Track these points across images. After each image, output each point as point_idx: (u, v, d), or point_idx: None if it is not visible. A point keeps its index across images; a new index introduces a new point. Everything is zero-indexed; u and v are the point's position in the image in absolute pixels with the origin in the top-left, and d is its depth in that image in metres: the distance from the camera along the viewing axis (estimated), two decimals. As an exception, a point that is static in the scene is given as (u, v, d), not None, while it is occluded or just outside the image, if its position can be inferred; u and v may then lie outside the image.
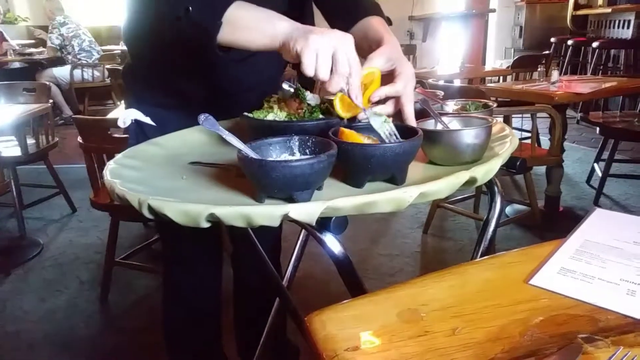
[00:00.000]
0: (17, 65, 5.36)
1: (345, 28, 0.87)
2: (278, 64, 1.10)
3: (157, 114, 1.00)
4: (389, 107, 0.80)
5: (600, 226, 0.67)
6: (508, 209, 2.69)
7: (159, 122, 1.00)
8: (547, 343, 0.45)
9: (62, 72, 5.29)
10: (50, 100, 2.78)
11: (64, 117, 5.15)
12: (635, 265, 0.57)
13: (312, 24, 1.00)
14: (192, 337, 1.30)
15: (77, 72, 5.28)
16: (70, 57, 5.34)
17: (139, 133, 1.03)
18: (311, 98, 0.82)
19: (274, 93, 0.87)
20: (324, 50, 0.68)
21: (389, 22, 0.94)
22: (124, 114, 0.98)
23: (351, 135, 0.69)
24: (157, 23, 0.85)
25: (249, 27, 0.74)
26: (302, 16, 0.97)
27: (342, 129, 0.70)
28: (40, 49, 5.59)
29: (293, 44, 0.69)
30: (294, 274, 1.20)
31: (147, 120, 0.98)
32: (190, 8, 0.72)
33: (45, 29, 5.70)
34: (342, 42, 0.69)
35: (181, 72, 1.00)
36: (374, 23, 0.90)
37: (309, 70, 0.68)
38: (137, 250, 2.17)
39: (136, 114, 0.98)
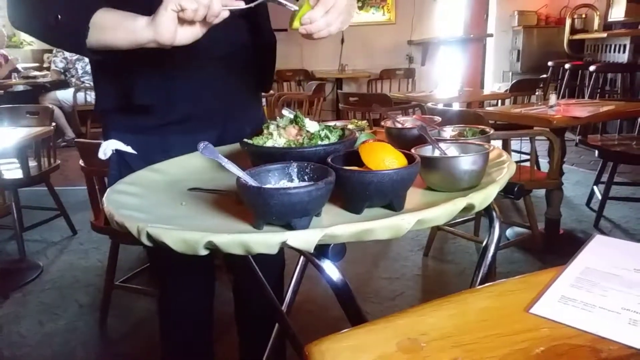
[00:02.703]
0: (20, 88, 5.43)
1: None
2: (235, 30, 1.06)
3: (137, 140, 1.01)
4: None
5: (600, 253, 0.67)
6: (508, 232, 2.68)
7: (141, 149, 1.01)
8: (548, 374, 0.44)
9: (65, 95, 5.35)
10: (53, 123, 2.81)
11: (66, 140, 5.19)
12: (636, 293, 0.57)
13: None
14: (189, 358, 1.29)
15: (80, 95, 5.34)
16: (73, 80, 5.41)
17: (120, 163, 1.03)
18: (310, 124, 0.83)
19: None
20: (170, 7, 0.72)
21: None
22: (104, 146, 0.99)
23: (374, 148, 0.69)
24: (36, 33, 0.90)
25: (114, 28, 0.79)
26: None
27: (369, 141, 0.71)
28: (44, 72, 5.67)
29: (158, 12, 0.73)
30: (294, 299, 1.19)
31: (128, 149, 0.99)
32: (59, 16, 0.80)
33: (49, 52, 5.79)
34: None
35: (141, 75, 0.98)
36: None
37: (187, 15, 0.72)
38: (137, 274, 2.16)
39: (116, 144, 0.99)
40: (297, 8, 0.79)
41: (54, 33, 0.84)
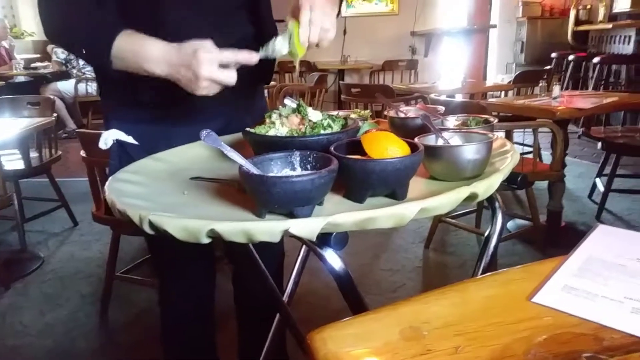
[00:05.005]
0: (22, 79, 5.42)
1: None
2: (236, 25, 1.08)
3: (138, 130, 1.01)
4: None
5: (603, 243, 0.67)
6: (510, 224, 2.67)
7: (142, 139, 1.01)
8: (551, 362, 0.44)
9: (66, 86, 5.34)
10: (54, 114, 2.80)
11: (67, 131, 5.19)
12: (638, 283, 0.56)
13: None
14: (189, 349, 1.29)
15: (82, 86, 5.33)
16: (75, 71, 5.39)
17: (121, 153, 1.03)
18: (312, 114, 0.83)
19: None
20: (209, 87, 0.81)
21: None
22: (104, 135, 0.98)
23: (378, 137, 0.69)
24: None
25: (133, 63, 0.87)
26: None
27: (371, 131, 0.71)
28: (46, 63, 5.65)
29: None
30: (295, 289, 1.19)
31: (129, 139, 0.99)
32: (84, 51, 0.92)
33: (51, 43, 5.77)
34: (206, 72, 0.79)
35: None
36: None
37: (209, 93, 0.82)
38: (138, 264, 2.16)
39: (117, 134, 0.99)
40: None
41: (85, 60, 1.02)
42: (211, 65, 0.79)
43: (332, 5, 0.89)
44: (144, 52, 0.85)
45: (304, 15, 0.81)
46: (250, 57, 0.83)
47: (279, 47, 0.84)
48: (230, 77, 0.81)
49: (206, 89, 0.81)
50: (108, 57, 0.87)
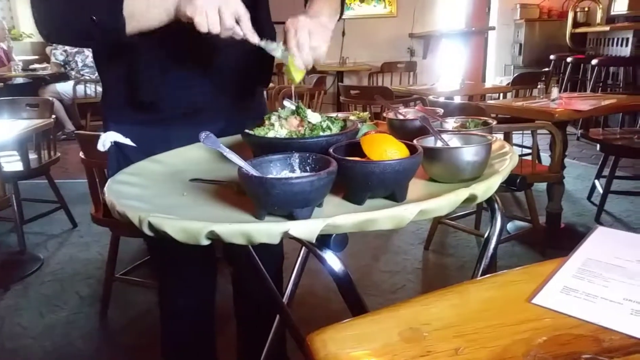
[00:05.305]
0: (20, 80, 5.42)
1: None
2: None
3: (137, 132, 1.01)
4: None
5: (602, 244, 0.67)
6: (509, 226, 2.68)
7: (141, 141, 1.01)
8: (551, 364, 0.44)
9: (65, 88, 5.34)
10: (53, 116, 2.80)
11: (66, 132, 5.18)
12: (638, 284, 0.56)
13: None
14: (189, 351, 1.29)
15: (80, 88, 5.33)
16: (73, 72, 5.39)
17: (119, 155, 1.03)
18: (312, 115, 0.83)
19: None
20: (210, 9, 0.79)
21: None
22: (103, 137, 0.98)
23: (377, 139, 0.69)
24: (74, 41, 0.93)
25: (146, 12, 0.84)
26: None
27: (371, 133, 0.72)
28: (44, 64, 5.65)
29: (183, 10, 0.80)
30: (294, 291, 1.19)
31: (127, 141, 0.99)
32: (94, 18, 0.83)
33: (49, 45, 5.77)
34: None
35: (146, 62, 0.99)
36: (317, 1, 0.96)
37: (202, 28, 0.80)
38: (138, 266, 2.16)
39: (115, 136, 0.99)
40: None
41: (93, 34, 0.86)
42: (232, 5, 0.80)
43: (325, 15, 0.91)
44: None
45: (291, 41, 0.85)
46: (253, 34, 0.85)
47: (278, 54, 0.87)
48: (229, 20, 0.81)
49: (207, 4, 0.79)
50: (122, 18, 0.83)
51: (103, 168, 1.85)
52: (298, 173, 0.68)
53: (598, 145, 2.79)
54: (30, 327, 1.94)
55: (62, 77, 5.43)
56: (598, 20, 5.41)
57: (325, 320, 0.52)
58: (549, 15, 6.06)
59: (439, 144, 0.77)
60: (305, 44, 0.84)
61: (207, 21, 0.79)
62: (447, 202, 0.61)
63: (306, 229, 0.56)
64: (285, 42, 0.87)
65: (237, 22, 0.83)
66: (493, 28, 5.91)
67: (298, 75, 0.87)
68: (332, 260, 0.66)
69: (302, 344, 0.88)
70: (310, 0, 0.98)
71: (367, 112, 1.07)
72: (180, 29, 0.88)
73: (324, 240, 0.63)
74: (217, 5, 0.80)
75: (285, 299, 1.17)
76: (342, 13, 1.02)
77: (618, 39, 4.63)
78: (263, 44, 0.87)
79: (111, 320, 1.99)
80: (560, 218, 2.54)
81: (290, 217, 0.61)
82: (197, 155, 0.95)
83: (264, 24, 1.09)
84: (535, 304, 0.54)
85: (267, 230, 0.56)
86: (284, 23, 0.87)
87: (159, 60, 0.96)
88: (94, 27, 0.84)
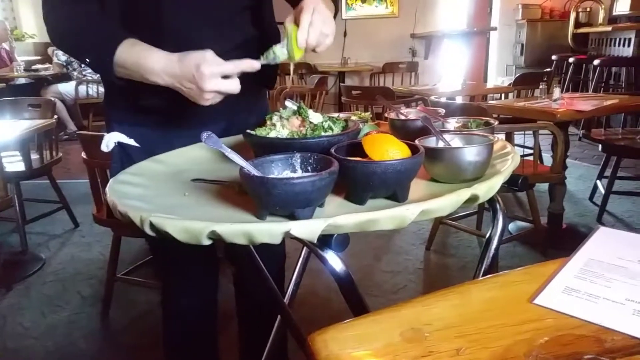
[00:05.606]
0: (23, 81, 5.43)
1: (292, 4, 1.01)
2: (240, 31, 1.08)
3: (140, 132, 1.01)
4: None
5: (604, 245, 0.67)
6: (511, 226, 2.67)
7: (144, 141, 1.01)
8: (552, 364, 0.44)
9: (67, 88, 5.35)
10: (55, 116, 2.80)
11: (68, 133, 5.19)
12: (640, 284, 0.56)
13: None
14: (191, 350, 1.29)
15: (82, 88, 5.34)
16: (75, 73, 5.40)
17: (123, 156, 1.04)
18: (313, 116, 0.83)
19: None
20: (212, 98, 0.83)
21: None
22: (106, 138, 0.99)
23: (378, 139, 0.69)
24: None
25: (135, 74, 0.88)
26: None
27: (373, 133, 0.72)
28: (47, 65, 5.66)
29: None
30: (296, 291, 1.19)
31: (131, 141, 0.99)
32: (87, 60, 0.92)
33: (52, 45, 5.78)
34: (210, 84, 0.81)
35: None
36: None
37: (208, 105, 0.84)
38: (139, 266, 2.16)
39: (119, 137, 0.99)
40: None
41: (90, 68, 1.01)
42: (214, 79, 0.81)
43: (331, 15, 0.90)
44: (146, 63, 0.86)
45: (306, 17, 0.82)
46: (252, 65, 0.84)
47: (278, 53, 0.85)
48: (233, 86, 0.83)
49: (210, 100, 0.83)
50: (111, 67, 0.88)
51: (105, 168, 1.85)
52: (299, 173, 0.68)
53: (600, 146, 2.78)
54: (32, 327, 1.94)
55: (64, 77, 5.44)
56: (600, 20, 5.41)
57: (326, 320, 0.52)
58: (551, 15, 6.06)
59: (441, 144, 0.77)
60: (318, 26, 0.83)
61: (208, 101, 0.83)
62: (449, 202, 0.61)
63: (307, 229, 0.56)
64: (295, 16, 0.85)
65: (229, 76, 0.83)
66: (495, 28, 5.90)
67: (297, 53, 0.85)
68: (334, 260, 0.66)
69: (303, 344, 0.88)
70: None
71: (369, 113, 1.06)
72: (181, 37, 0.89)
73: (325, 240, 0.63)
74: (214, 92, 0.82)
75: (286, 299, 1.17)
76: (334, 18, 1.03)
77: (620, 39, 4.63)
78: (264, 61, 0.86)
79: (113, 320, 1.99)
80: (562, 218, 2.54)
81: (292, 217, 0.61)
82: (198, 156, 0.95)
83: (268, 23, 1.09)
84: (537, 304, 0.54)
85: (269, 230, 0.56)
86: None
87: None
88: (87, 65, 0.94)
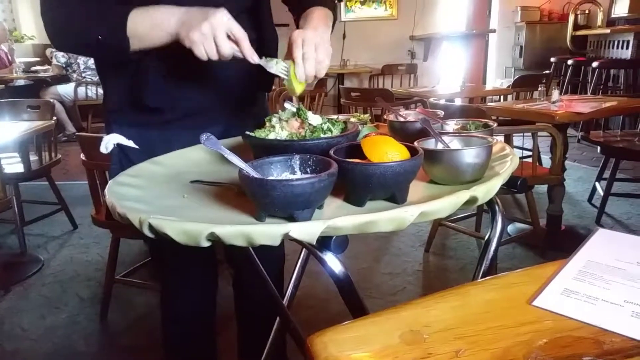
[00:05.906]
0: (22, 82, 5.43)
1: (296, 16, 1.05)
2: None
3: (139, 134, 1.02)
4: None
5: (603, 246, 0.67)
6: (510, 228, 2.67)
7: (143, 143, 1.01)
8: (551, 366, 0.44)
9: (66, 90, 5.35)
10: (54, 118, 2.80)
11: (67, 134, 5.19)
12: (639, 286, 0.56)
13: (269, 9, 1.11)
14: (190, 352, 1.29)
15: (81, 90, 5.34)
16: (75, 75, 5.40)
17: (122, 157, 1.04)
18: (312, 117, 0.83)
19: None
20: (206, 40, 0.81)
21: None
22: (105, 139, 0.99)
23: (377, 141, 0.69)
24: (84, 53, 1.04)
25: (149, 33, 0.87)
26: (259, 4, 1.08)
27: (372, 135, 0.72)
28: (46, 66, 5.66)
29: (182, 39, 0.83)
30: (295, 293, 1.19)
31: (130, 143, 0.99)
32: (100, 37, 0.88)
33: (51, 47, 5.78)
34: (217, 25, 0.81)
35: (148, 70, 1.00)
36: (315, 14, 0.98)
37: (202, 58, 0.83)
38: (138, 268, 2.16)
39: (118, 138, 0.99)
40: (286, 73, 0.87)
41: (99, 51, 0.94)
42: (224, 23, 0.81)
43: (324, 28, 0.92)
44: (159, 8, 0.86)
45: (297, 53, 0.84)
46: (252, 54, 0.85)
47: (279, 69, 0.88)
48: (225, 48, 0.82)
49: (203, 36, 0.81)
50: (126, 38, 0.87)
51: (104, 170, 1.85)
52: (299, 175, 0.68)
53: (599, 148, 2.79)
54: (30, 328, 1.94)
55: (64, 79, 5.44)
56: (599, 22, 5.42)
57: (325, 322, 0.52)
58: (550, 17, 6.07)
59: (440, 146, 0.77)
60: (311, 57, 0.85)
61: (205, 51, 0.82)
62: (448, 204, 0.61)
63: (307, 230, 0.56)
64: (288, 55, 0.87)
65: (237, 43, 0.84)
66: (494, 30, 5.91)
67: (299, 87, 0.87)
68: (333, 262, 0.66)
69: (302, 345, 0.88)
70: (307, 16, 0.99)
71: (368, 114, 1.07)
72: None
73: (324, 242, 0.63)
74: (213, 35, 0.81)
75: (285, 301, 1.17)
76: (332, 28, 1.03)
77: (619, 41, 4.64)
78: (263, 62, 0.87)
79: (112, 321, 1.99)
80: (560, 220, 2.54)
81: (291, 218, 0.61)
82: (197, 157, 0.95)
83: (266, 25, 1.10)
84: (536, 306, 0.54)
85: (268, 232, 0.56)
86: (286, 25, 0.88)
87: (162, 66, 0.97)
88: (99, 44, 0.88)
